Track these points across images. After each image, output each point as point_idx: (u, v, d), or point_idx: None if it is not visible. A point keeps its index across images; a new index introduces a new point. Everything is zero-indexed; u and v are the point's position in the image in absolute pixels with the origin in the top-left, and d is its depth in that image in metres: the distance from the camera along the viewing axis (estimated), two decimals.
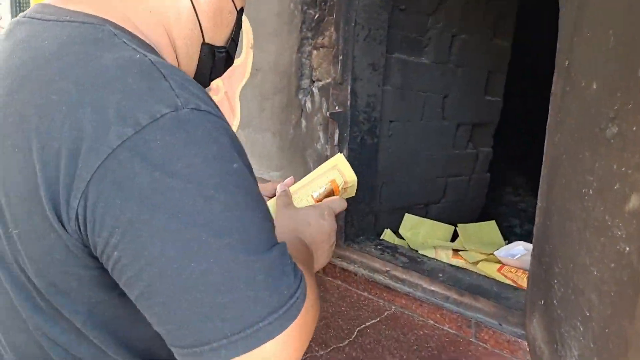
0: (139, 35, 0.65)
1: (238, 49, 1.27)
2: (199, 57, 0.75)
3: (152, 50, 0.65)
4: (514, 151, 3.35)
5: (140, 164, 0.49)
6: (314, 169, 1.64)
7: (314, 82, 1.60)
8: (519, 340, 1.16)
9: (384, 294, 1.42)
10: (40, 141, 0.52)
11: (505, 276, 1.41)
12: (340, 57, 1.45)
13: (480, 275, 1.37)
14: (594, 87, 0.79)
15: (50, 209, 0.52)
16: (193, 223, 0.49)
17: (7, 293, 0.61)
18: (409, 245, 1.70)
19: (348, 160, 1.51)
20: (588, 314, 0.76)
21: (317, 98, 1.58)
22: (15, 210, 0.55)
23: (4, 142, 0.56)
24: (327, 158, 1.57)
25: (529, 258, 1.42)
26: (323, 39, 1.54)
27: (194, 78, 0.77)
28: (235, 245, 0.50)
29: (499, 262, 1.47)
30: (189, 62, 0.75)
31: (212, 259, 0.49)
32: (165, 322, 0.51)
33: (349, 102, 1.47)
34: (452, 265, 1.43)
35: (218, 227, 0.50)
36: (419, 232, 1.77)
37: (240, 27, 0.82)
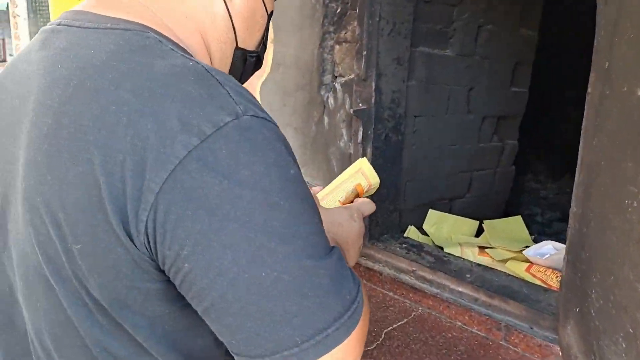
0: (177, 41, 0.64)
1: None
2: (232, 62, 0.74)
3: (190, 55, 0.65)
4: (534, 138, 3.30)
5: (209, 174, 0.49)
6: (337, 166, 1.62)
7: (336, 77, 1.57)
8: (551, 344, 1.14)
9: (411, 295, 1.40)
10: (102, 153, 0.51)
11: (534, 276, 1.38)
12: (364, 53, 1.41)
13: (508, 275, 1.35)
14: (639, 94, 0.75)
15: (117, 223, 0.51)
16: (262, 231, 0.49)
17: (62, 308, 0.59)
18: (433, 242, 1.68)
19: (373, 159, 1.49)
20: (632, 331, 0.74)
21: (339, 94, 1.55)
22: (75, 225, 0.53)
23: (59, 154, 0.54)
24: (350, 156, 1.55)
25: (558, 257, 1.40)
26: (346, 33, 1.51)
27: None
28: (301, 251, 0.51)
29: (527, 261, 1.44)
30: (222, 67, 0.74)
31: (281, 267, 0.49)
32: (235, 332, 0.50)
33: (373, 99, 1.44)
34: (479, 265, 1.40)
35: (284, 234, 0.50)
36: (443, 227, 1.75)
37: (268, 30, 0.81)
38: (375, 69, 1.42)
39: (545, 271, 1.38)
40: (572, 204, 1.03)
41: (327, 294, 0.51)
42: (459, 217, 1.78)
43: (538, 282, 1.35)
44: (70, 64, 0.58)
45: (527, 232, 1.75)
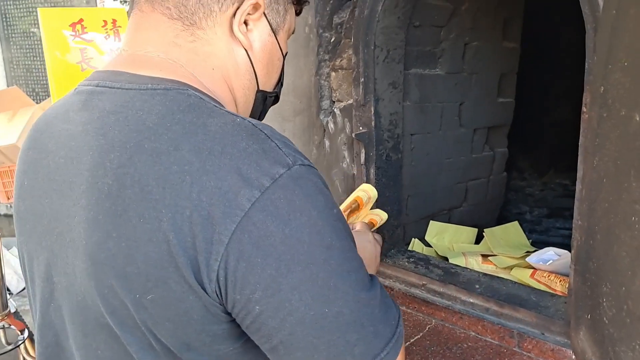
0: (209, 93, 0.69)
1: None
2: (254, 103, 0.80)
3: (221, 104, 0.69)
4: (517, 136, 3.40)
5: (272, 223, 0.54)
6: (341, 187, 1.68)
7: (334, 102, 1.62)
8: (563, 349, 1.21)
9: (423, 308, 1.46)
10: (169, 211, 0.55)
11: (539, 281, 1.45)
12: (362, 80, 1.47)
13: (515, 283, 1.41)
14: (637, 119, 0.82)
15: (188, 274, 0.55)
16: (322, 271, 0.55)
17: (128, 354, 0.63)
18: (436, 252, 1.74)
19: (376, 178, 1.55)
20: None
21: (339, 119, 1.60)
22: (146, 278, 0.57)
23: (125, 213, 0.58)
24: (353, 176, 1.60)
25: (560, 263, 1.47)
26: (341, 60, 1.56)
27: None
28: (355, 285, 0.57)
29: (531, 267, 1.51)
30: (246, 111, 0.80)
31: (342, 302, 0.56)
32: None
33: (373, 123, 1.50)
34: (486, 275, 1.47)
35: (341, 271, 0.56)
36: (444, 237, 1.82)
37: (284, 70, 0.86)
38: (373, 95, 1.47)
39: (548, 276, 1.45)
40: (576, 217, 1.10)
41: (379, 322, 0.59)
42: (459, 226, 1.84)
43: (543, 287, 1.42)
44: (122, 127, 0.62)
45: (525, 236, 1.82)
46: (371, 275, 0.63)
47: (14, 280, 3.88)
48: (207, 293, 0.56)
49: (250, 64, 0.74)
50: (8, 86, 6.77)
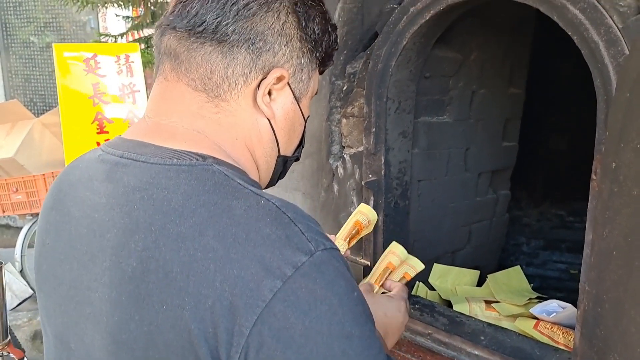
0: (233, 163, 0.70)
1: None
2: (274, 167, 0.81)
3: (246, 174, 0.71)
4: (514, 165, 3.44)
5: (293, 314, 0.55)
6: None
7: (343, 148, 1.65)
8: None
9: (428, 357, 1.48)
10: (192, 299, 0.56)
11: (542, 332, 1.48)
12: (373, 130, 1.50)
13: (519, 335, 1.44)
14: None
15: None
16: None
17: None
18: (439, 295, 1.76)
19: (384, 226, 1.57)
20: None
21: (348, 165, 1.63)
22: None
23: (148, 297, 0.59)
24: None
25: (564, 315, 1.50)
26: (352, 108, 1.59)
27: (267, 185, 0.83)
28: None
29: (534, 317, 1.54)
30: (267, 175, 0.81)
31: None
32: None
33: (382, 171, 1.53)
34: (490, 325, 1.49)
35: None
36: (447, 279, 1.84)
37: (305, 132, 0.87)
38: (384, 144, 1.50)
39: (551, 328, 1.47)
40: (584, 281, 1.13)
41: None
42: (461, 268, 1.87)
43: (545, 339, 1.45)
44: (147, 207, 0.62)
45: (526, 281, 1.85)
46: (388, 356, 0.65)
47: (8, 296, 3.85)
48: None
49: (272, 132, 0.76)
50: (6, 95, 6.77)
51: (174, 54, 0.70)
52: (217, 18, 0.67)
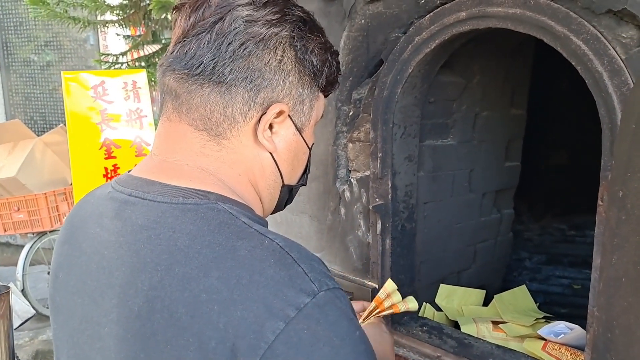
0: (237, 199, 0.71)
1: None
2: (279, 197, 0.82)
3: (250, 209, 0.72)
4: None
5: (295, 356, 0.55)
6: (355, 254, 1.71)
7: (350, 172, 1.67)
8: None
9: None
10: (196, 340, 0.57)
11: (550, 354, 1.49)
12: (380, 155, 1.52)
13: (528, 356, 1.45)
14: None
15: None
16: None
17: None
18: (446, 316, 1.78)
19: (391, 248, 1.59)
20: None
21: (355, 188, 1.65)
22: None
23: (153, 336, 0.60)
24: (368, 245, 1.64)
25: (571, 337, 1.51)
26: (358, 133, 1.61)
27: (274, 211, 0.84)
28: None
29: (542, 338, 1.55)
30: (271, 206, 0.82)
31: None
32: None
33: (389, 195, 1.54)
34: (499, 347, 1.50)
35: None
36: (454, 299, 1.86)
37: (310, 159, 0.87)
38: (390, 169, 1.52)
39: (559, 349, 1.49)
40: (593, 306, 1.14)
41: None
42: (467, 288, 1.89)
43: None
44: (154, 246, 0.63)
45: (532, 301, 1.87)
46: None
47: None
48: None
49: (275, 165, 0.76)
50: (6, 114, 6.79)
51: (175, 95, 0.71)
52: (213, 59, 0.68)
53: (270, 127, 0.73)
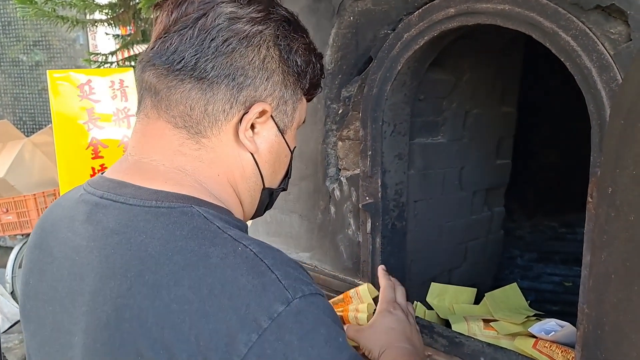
0: (214, 201, 0.69)
1: None
2: (259, 200, 0.80)
3: (228, 212, 0.70)
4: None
5: None
6: (345, 253, 1.70)
7: (340, 170, 1.66)
8: None
9: None
10: (167, 353, 0.55)
11: (541, 352, 1.48)
12: (369, 153, 1.51)
13: (519, 354, 1.45)
14: None
15: None
16: None
17: None
18: (437, 314, 1.77)
19: (381, 247, 1.58)
20: None
21: (345, 187, 1.63)
22: None
23: (122, 347, 0.58)
24: (359, 244, 1.63)
25: (562, 334, 1.51)
26: (348, 131, 1.60)
27: (253, 216, 0.82)
28: None
29: (533, 336, 1.55)
30: (252, 209, 0.80)
31: None
32: None
33: (379, 194, 1.53)
34: (489, 345, 1.50)
35: None
36: (445, 298, 1.85)
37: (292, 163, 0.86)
38: (380, 167, 1.51)
39: (550, 346, 1.48)
40: (582, 303, 1.14)
41: None
42: (458, 287, 1.88)
43: (545, 358, 1.46)
44: (124, 252, 0.61)
45: (523, 299, 1.86)
46: None
47: None
48: None
49: (256, 166, 0.75)
50: None
51: (154, 91, 0.69)
52: (195, 55, 0.67)
53: (252, 127, 0.72)
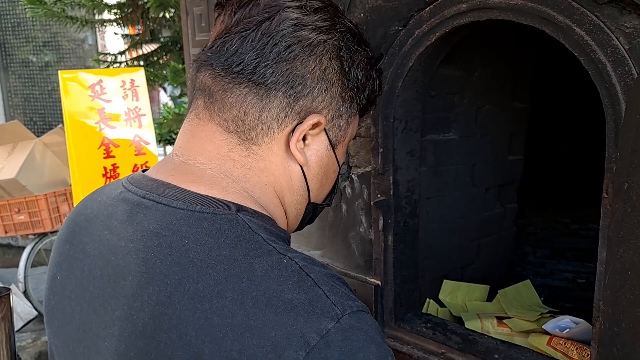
0: (260, 210, 0.67)
1: None
2: (303, 214, 0.78)
3: (272, 221, 0.68)
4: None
5: None
6: (357, 250, 1.70)
7: (351, 167, 1.65)
8: None
9: None
10: None
11: (555, 349, 1.47)
12: (381, 150, 1.51)
13: (533, 352, 1.44)
14: None
15: None
16: None
17: None
18: (450, 312, 1.76)
19: (394, 245, 1.57)
20: None
21: (357, 185, 1.63)
22: None
23: (158, 358, 0.56)
24: (370, 242, 1.62)
25: (577, 331, 1.50)
26: (359, 129, 1.60)
27: (295, 229, 0.80)
28: None
29: (547, 333, 1.54)
30: (295, 222, 0.78)
31: None
32: None
33: (391, 191, 1.53)
34: (503, 342, 1.49)
35: None
36: (457, 295, 1.84)
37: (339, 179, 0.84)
38: (392, 164, 1.51)
39: (565, 343, 1.47)
40: (598, 299, 1.13)
41: None
42: (471, 284, 1.87)
43: (559, 355, 1.45)
44: (165, 256, 0.59)
45: (536, 295, 1.85)
46: None
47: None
48: None
49: (304, 179, 0.72)
50: (6, 115, 6.79)
51: (209, 92, 0.67)
52: (256, 58, 0.65)
53: (304, 139, 0.70)
